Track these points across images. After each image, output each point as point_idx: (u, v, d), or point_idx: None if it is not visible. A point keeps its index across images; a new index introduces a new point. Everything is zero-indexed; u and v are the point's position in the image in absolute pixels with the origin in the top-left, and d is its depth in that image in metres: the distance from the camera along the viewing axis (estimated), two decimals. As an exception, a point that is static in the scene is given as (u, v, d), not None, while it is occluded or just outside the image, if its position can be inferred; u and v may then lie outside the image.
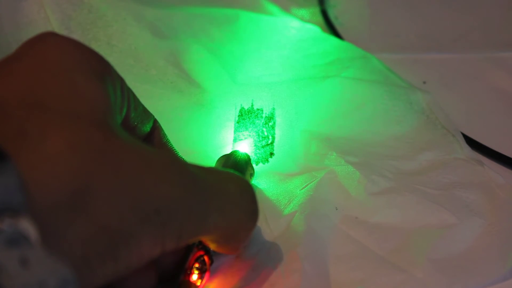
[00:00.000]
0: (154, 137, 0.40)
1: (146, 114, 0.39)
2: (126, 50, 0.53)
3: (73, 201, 0.27)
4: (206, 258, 0.37)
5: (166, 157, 0.32)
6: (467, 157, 0.48)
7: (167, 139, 0.41)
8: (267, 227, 0.42)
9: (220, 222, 0.33)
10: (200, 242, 0.37)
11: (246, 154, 0.45)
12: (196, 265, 0.36)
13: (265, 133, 0.46)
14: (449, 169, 0.47)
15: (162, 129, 0.41)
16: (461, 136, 0.50)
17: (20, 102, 0.29)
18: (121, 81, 0.35)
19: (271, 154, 0.47)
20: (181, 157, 0.41)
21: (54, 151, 0.27)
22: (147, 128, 0.39)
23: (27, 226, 0.24)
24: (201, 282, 0.37)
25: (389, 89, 0.53)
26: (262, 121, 0.47)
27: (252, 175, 0.45)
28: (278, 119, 0.48)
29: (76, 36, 0.52)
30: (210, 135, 0.50)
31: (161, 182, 0.30)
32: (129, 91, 0.36)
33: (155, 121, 0.40)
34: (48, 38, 0.32)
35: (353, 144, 0.49)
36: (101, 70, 0.33)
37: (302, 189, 0.45)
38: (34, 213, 0.25)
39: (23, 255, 0.24)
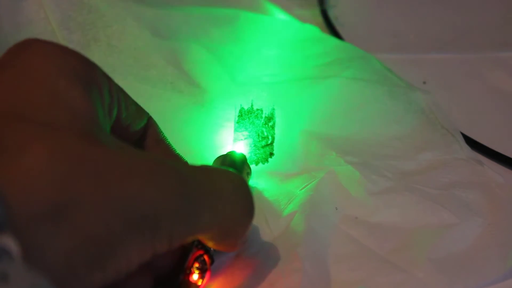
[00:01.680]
0: (149, 135, 0.40)
1: (139, 113, 0.39)
2: (126, 50, 0.53)
3: (55, 213, 0.26)
4: (206, 257, 0.37)
5: (151, 161, 0.31)
6: (466, 157, 0.48)
7: (164, 136, 0.41)
8: (267, 227, 0.43)
9: (213, 220, 0.33)
10: (200, 242, 0.37)
11: (242, 154, 0.45)
12: (196, 264, 0.36)
13: (265, 133, 0.46)
14: (449, 169, 0.47)
15: (158, 127, 0.41)
16: (461, 136, 0.50)
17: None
18: (110, 82, 0.35)
19: (271, 154, 0.47)
20: (179, 153, 0.41)
21: (33, 164, 0.27)
22: (141, 126, 0.39)
23: (8, 242, 0.24)
24: (202, 282, 0.37)
25: (389, 89, 0.53)
26: (262, 121, 0.47)
27: (249, 174, 0.45)
28: (278, 119, 0.48)
29: (76, 36, 0.52)
30: (210, 135, 0.50)
31: (146, 187, 0.30)
32: (119, 91, 0.36)
33: (150, 119, 0.40)
34: (32, 46, 0.32)
35: (353, 144, 0.49)
36: (86, 74, 0.32)
37: (302, 189, 0.45)
38: (15, 227, 0.25)
39: (3, 270, 0.24)
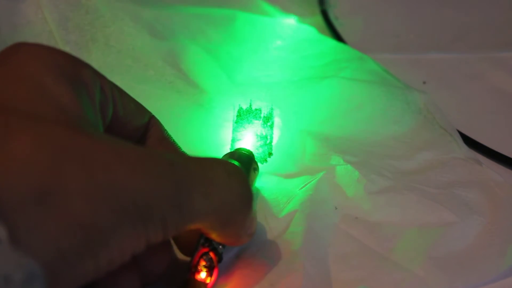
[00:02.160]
0: (152, 133, 0.40)
1: (139, 111, 0.39)
2: (124, 51, 0.53)
3: (42, 198, 0.27)
4: (212, 254, 0.37)
5: (139, 149, 0.31)
6: (465, 156, 0.48)
7: (168, 134, 0.41)
8: (267, 227, 0.42)
9: (208, 207, 0.33)
10: (206, 239, 0.37)
11: (250, 150, 0.45)
12: (203, 263, 0.37)
13: (264, 133, 0.46)
14: (448, 168, 0.47)
15: (161, 125, 0.41)
16: (459, 135, 0.50)
17: None
18: (102, 80, 0.35)
19: (270, 154, 0.46)
20: (184, 152, 0.41)
21: (18, 150, 0.27)
22: (141, 125, 0.39)
23: None
24: (210, 280, 0.37)
25: (387, 89, 0.53)
26: (261, 121, 0.47)
27: (256, 170, 0.44)
28: (277, 119, 0.48)
29: (74, 36, 0.52)
30: (209, 135, 0.50)
31: (134, 174, 0.30)
32: (114, 90, 0.36)
33: (153, 118, 0.40)
34: (21, 47, 0.33)
35: (351, 143, 0.49)
36: (73, 73, 0.33)
37: (301, 188, 0.45)
38: (2, 212, 0.25)
39: None
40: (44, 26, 0.51)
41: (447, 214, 0.43)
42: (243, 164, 0.42)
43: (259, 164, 0.46)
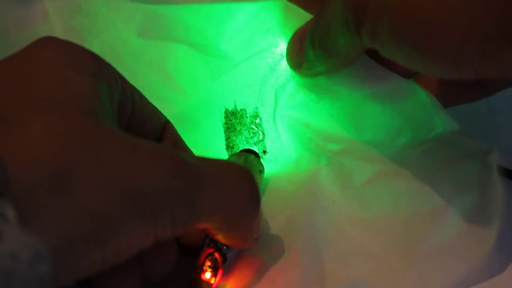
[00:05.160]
0: (166, 137, 0.41)
1: (156, 114, 0.40)
2: (117, 58, 0.51)
3: (53, 183, 0.27)
4: (217, 255, 0.38)
5: (152, 145, 0.32)
6: (450, 132, 0.46)
7: (181, 138, 0.42)
8: (265, 224, 0.42)
9: (216, 207, 0.33)
10: (211, 240, 0.38)
11: (255, 152, 0.45)
12: (208, 263, 0.37)
13: (255, 129, 0.46)
14: (434, 148, 0.45)
15: (175, 129, 0.42)
16: (441, 107, 0.46)
17: (3, 93, 0.30)
18: (124, 81, 0.36)
19: (264, 152, 0.47)
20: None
21: (34, 134, 0.28)
22: (157, 128, 0.40)
23: (4, 204, 0.25)
24: (215, 280, 0.37)
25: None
26: (248, 120, 0.47)
27: (261, 172, 0.45)
28: (264, 116, 0.48)
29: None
30: (202, 141, 0.48)
31: (146, 168, 0.30)
32: (134, 91, 0.37)
33: (167, 122, 0.41)
34: (47, 42, 0.34)
35: (341, 134, 0.48)
36: (96, 69, 0.34)
37: (297, 185, 0.45)
38: (13, 194, 0.26)
39: None
40: (51, 33, 0.51)
41: (437, 197, 0.42)
42: (249, 167, 0.43)
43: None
